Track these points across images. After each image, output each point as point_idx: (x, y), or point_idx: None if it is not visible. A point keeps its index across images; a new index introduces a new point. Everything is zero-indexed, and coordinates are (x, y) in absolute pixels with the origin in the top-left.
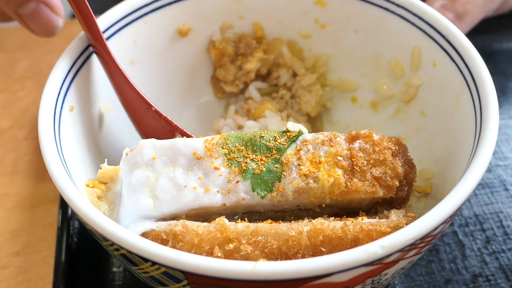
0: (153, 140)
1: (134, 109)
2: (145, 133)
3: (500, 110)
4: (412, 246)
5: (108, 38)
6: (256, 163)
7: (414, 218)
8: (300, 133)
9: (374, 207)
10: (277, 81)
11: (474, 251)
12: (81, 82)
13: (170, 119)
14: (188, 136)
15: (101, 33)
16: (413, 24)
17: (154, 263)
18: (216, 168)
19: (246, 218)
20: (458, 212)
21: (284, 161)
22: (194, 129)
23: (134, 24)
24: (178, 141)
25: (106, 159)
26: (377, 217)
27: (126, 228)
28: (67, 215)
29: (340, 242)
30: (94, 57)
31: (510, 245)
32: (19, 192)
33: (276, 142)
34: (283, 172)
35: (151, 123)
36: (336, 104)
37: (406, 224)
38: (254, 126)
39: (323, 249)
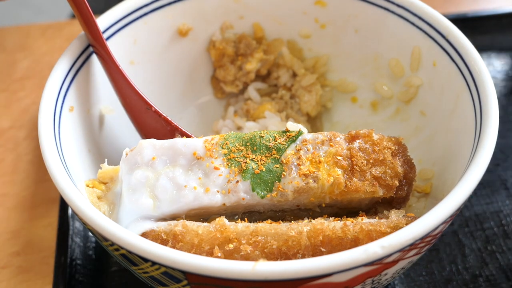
0: (153, 140)
1: (134, 109)
2: (145, 133)
3: (500, 110)
4: (412, 246)
5: (108, 38)
6: (256, 163)
7: (414, 218)
8: (299, 133)
9: (374, 207)
10: (277, 82)
11: (474, 251)
12: (81, 82)
13: (170, 119)
14: (188, 136)
15: (101, 33)
16: (413, 24)
17: (154, 263)
18: (216, 168)
19: (246, 218)
20: (458, 212)
21: (284, 161)
22: (194, 129)
23: (134, 24)
24: (178, 141)
25: (106, 159)
26: (377, 217)
27: (126, 228)
28: (67, 215)
29: (340, 242)
30: (94, 57)
31: (510, 245)
32: (19, 192)
33: (276, 142)
34: (283, 172)
35: (151, 123)
36: (336, 104)
37: (406, 224)
38: (254, 127)
39: (323, 249)
